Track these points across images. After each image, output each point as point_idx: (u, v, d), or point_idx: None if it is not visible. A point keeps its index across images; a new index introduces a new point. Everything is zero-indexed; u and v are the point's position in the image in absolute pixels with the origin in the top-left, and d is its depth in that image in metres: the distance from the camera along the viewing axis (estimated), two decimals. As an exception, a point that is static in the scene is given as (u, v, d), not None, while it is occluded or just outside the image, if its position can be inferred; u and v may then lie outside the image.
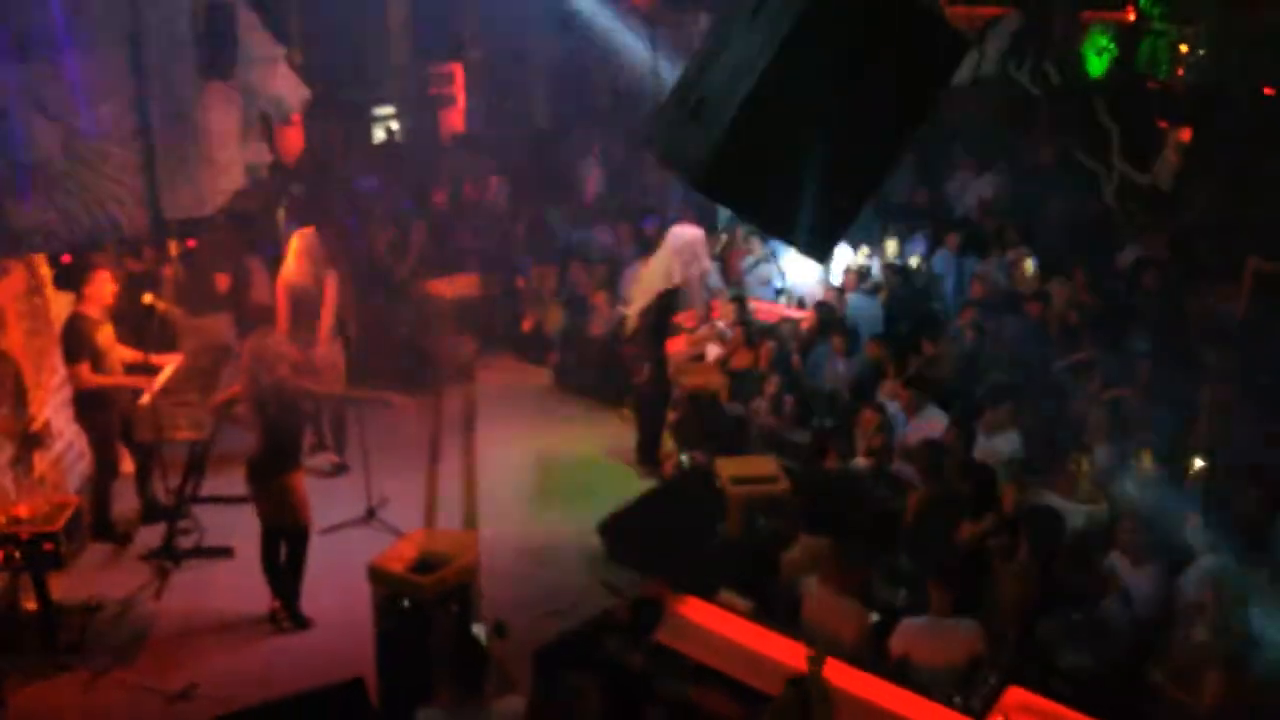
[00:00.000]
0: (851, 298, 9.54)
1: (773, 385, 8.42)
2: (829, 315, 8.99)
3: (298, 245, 8.24)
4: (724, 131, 3.14)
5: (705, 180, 3.24)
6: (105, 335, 7.30)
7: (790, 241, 3.40)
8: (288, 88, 8.08)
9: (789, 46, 3.16)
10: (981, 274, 9.74)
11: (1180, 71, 12.28)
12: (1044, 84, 12.47)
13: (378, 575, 5.68)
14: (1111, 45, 12.69)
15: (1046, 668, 5.14)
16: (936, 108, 3.49)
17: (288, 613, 6.65)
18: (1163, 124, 11.73)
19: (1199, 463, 6.41)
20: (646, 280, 8.37)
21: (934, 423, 7.19)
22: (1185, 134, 11.42)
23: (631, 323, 8.51)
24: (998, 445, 6.87)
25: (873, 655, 5.33)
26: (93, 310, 7.24)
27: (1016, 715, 4.80)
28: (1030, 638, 5.30)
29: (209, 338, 8.39)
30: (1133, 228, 10.70)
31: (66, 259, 7.16)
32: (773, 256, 10.72)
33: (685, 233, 8.33)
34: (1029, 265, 9.79)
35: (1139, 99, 12.21)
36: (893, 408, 7.47)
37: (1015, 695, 4.88)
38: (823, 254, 3.49)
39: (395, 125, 16.21)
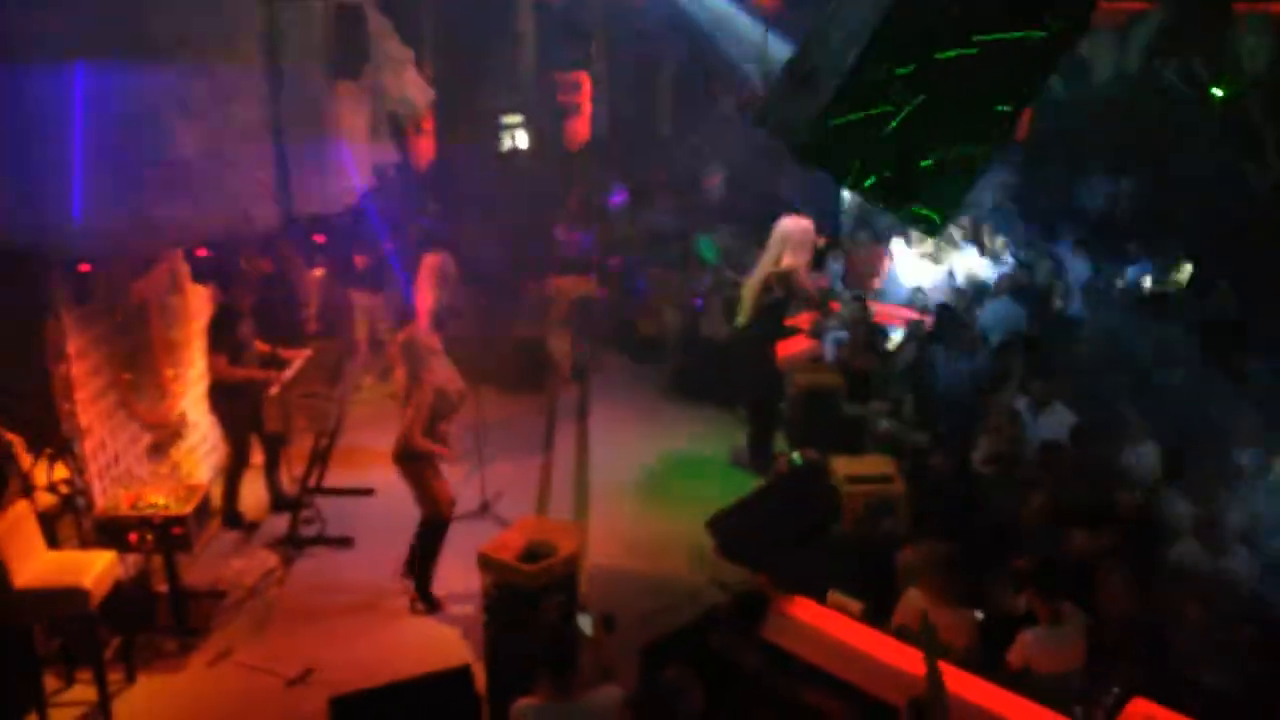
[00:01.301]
0: (990, 302, 9.25)
1: (892, 386, 8.20)
2: (950, 316, 8.72)
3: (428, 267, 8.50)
4: (831, 97, 3.07)
5: (808, 145, 3.17)
6: (246, 329, 7.60)
7: (896, 212, 3.30)
8: (415, 90, 8.28)
9: (897, 13, 3.07)
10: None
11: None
12: (1192, 82, 11.85)
13: (486, 563, 5.72)
14: (1266, 39, 11.97)
15: (1180, 681, 4.84)
16: (1045, 87, 3.34)
17: (421, 596, 6.79)
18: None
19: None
20: (757, 272, 8.27)
21: (1059, 421, 6.88)
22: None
23: (743, 319, 8.40)
24: (1131, 454, 6.54)
25: (985, 659, 5.12)
26: (238, 304, 7.55)
27: (1141, 727, 4.55)
28: (1163, 650, 5.01)
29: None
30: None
31: (202, 253, 7.46)
32: (905, 262, 10.51)
33: (795, 221, 8.24)
34: (1185, 268, 9.32)
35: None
36: (1022, 404, 7.18)
37: (1140, 707, 4.63)
38: (930, 228, 3.37)
39: (522, 133, 16.48)
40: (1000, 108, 3.35)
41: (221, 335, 7.46)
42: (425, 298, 7.73)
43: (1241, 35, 11.85)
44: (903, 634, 5.23)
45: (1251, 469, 6.18)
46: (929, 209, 3.24)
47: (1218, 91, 11.38)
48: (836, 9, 3.48)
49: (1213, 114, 11.59)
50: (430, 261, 8.38)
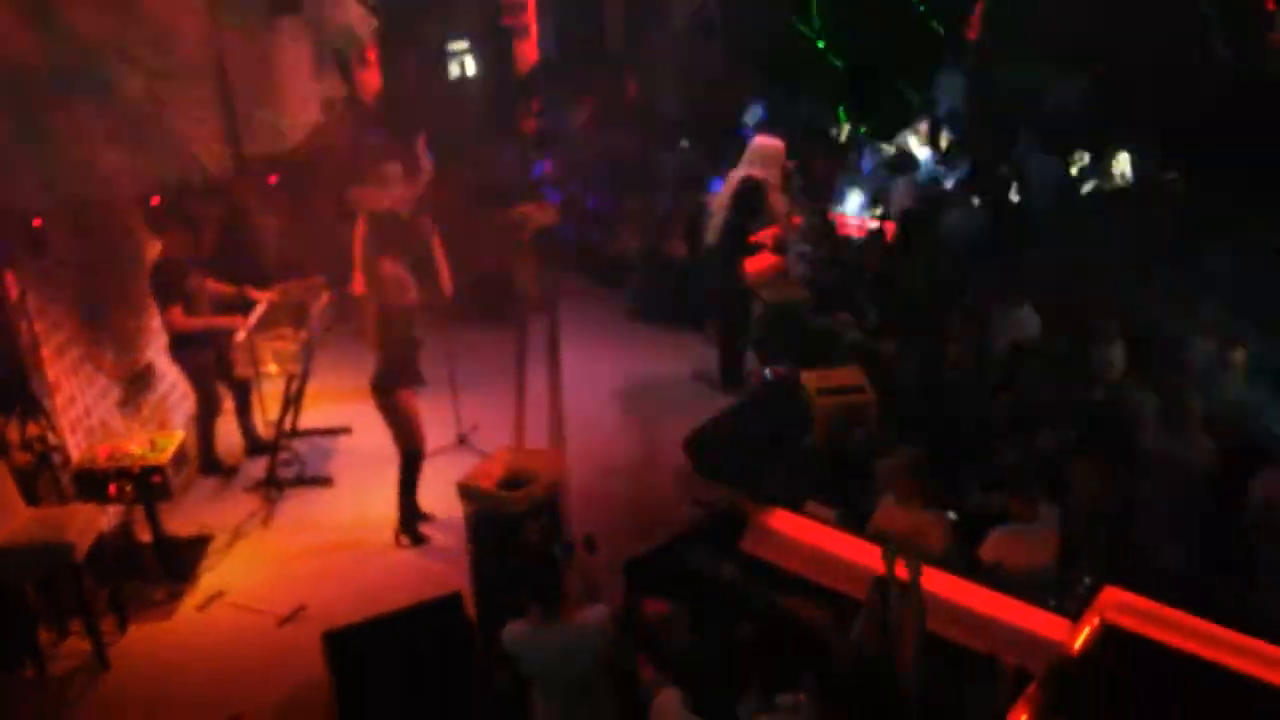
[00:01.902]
0: (951, 208, 9.28)
1: (858, 297, 8.28)
2: (911, 224, 8.76)
3: (386, 175, 8.44)
4: (783, 22, 3.07)
5: (772, 62, 3.18)
6: (196, 277, 7.49)
7: (854, 120, 3.32)
8: (356, 20, 8.09)
9: None
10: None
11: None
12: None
13: (467, 492, 5.80)
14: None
15: (1146, 565, 5.02)
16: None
17: (404, 528, 6.88)
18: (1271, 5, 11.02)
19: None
20: (724, 188, 8.30)
21: (1025, 323, 6.99)
22: None
23: (711, 238, 8.43)
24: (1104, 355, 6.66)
25: (961, 558, 5.28)
26: (179, 253, 7.42)
27: (1114, 615, 4.71)
28: (1126, 535, 5.19)
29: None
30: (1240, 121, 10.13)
31: (155, 201, 7.33)
32: (861, 171, 10.48)
33: (766, 141, 8.32)
34: (1122, 159, 9.41)
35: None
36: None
37: (1112, 595, 4.79)
38: (887, 133, 3.41)
39: (470, 59, 16.16)
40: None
41: (167, 287, 7.34)
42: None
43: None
44: (879, 538, 5.37)
45: (1211, 358, 6.32)
46: (881, 117, 3.27)
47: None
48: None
49: (1163, 4, 11.56)
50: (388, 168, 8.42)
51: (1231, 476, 5.42)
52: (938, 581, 4.93)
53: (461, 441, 7.87)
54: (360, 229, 8.64)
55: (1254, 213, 8.11)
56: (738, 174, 8.26)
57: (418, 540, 6.86)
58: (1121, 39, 11.54)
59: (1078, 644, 4.63)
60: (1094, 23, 11.82)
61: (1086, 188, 9.79)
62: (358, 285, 8.53)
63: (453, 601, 5.52)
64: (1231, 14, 10.88)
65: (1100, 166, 9.90)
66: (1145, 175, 9.73)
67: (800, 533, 5.62)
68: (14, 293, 6.08)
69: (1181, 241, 7.94)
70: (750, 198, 8.18)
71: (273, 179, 8.60)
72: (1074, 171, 9.91)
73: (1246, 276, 7.22)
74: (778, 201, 8.36)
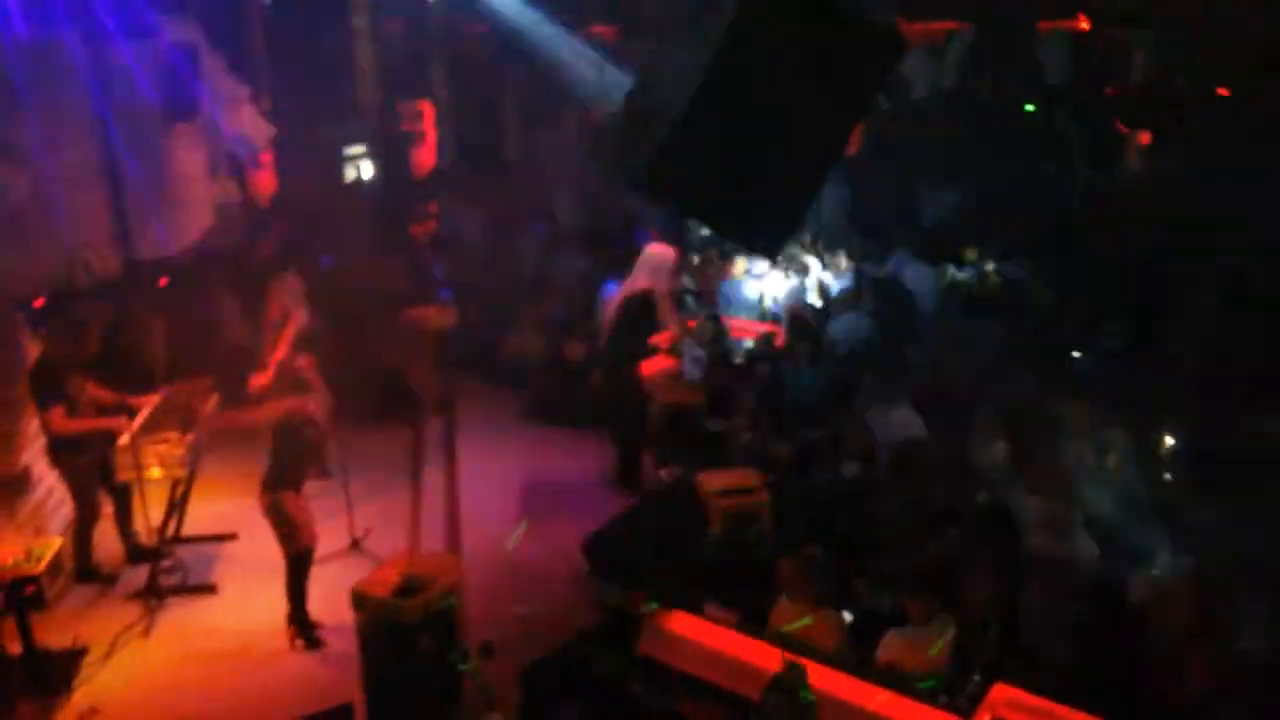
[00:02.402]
0: (839, 314, 9.66)
1: (750, 399, 8.48)
2: (801, 329, 9.08)
3: (276, 288, 8.40)
4: (667, 135, 3.25)
5: (651, 181, 3.35)
6: (76, 380, 7.28)
7: (738, 240, 3.52)
8: (253, 127, 8.18)
9: (724, 53, 3.28)
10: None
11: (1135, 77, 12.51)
12: (1005, 94, 12.67)
13: (361, 600, 5.69)
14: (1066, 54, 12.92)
15: (1033, 663, 5.18)
16: (872, 109, 3.64)
17: (299, 631, 6.72)
18: (1123, 128, 11.94)
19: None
20: (619, 294, 8.52)
21: (908, 424, 7.26)
22: (1144, 137, 11.62)
23: (603, 343, 8.60)
24: (987, 451, 6.95)
25: (855, 658, 5.37)
26: (60, 356, 7.22)
27: (1004, 711, 4.84)
28: (1014, 634, 5.35)
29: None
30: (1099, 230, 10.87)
31: (39, 303, 7.16)
32: (750, 275, 10.84)
33: (657, 249, 8.58)
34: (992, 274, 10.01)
35: (1099, 104, 12.42)
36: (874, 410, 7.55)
37: (1002, 692, 4.92)
38: (771, 251, 3.61)
39: (367, 164, 16.28)
40: (833, 133, 3.60)
41: (48, 390, 7.13)
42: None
43: (1045, 51, 12.77)
44: (779, 639, 5.43)
45: (1086, 460, 6.66)
46: (768, 236, 3.46)
47: (1028, 106, 12.22)
48: (667, 50, 3.68)
49: (1024, 125, 12.41)
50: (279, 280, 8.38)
51: (1110, 576, 5.69)
52: (832, 681, 5.02)
53: (355, 546, 7.72)
54: (287, 328, 8.53)
55: (1115, 313, 8.66)
56: (630, 283, 8.48)
57: (311, 643, 6.67)
58: (990, 157, 12.36)
59: (969, 740, 4.75)
60: (965, 142, 12.65)
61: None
62: (262, 379, 8.36)
63: (343, 713, 5.37)
64: (1090, 134, 11.75)
65: (974, 273, 10.46)
66: (1014, 280, 10.29)
67: (700, 635, 5.64)
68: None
69: (1051, 344, 8.40)
70: (640, 308, 8.38)
71: (163, 281, 8.47)
72: (948, 277, 10.44)
73: (1112, 377, 7.66)
74: (667, 307, 8.59)
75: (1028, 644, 5.36)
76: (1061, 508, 6.11)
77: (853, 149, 12.08)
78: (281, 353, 8.35)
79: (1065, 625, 5.33)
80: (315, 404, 7.08)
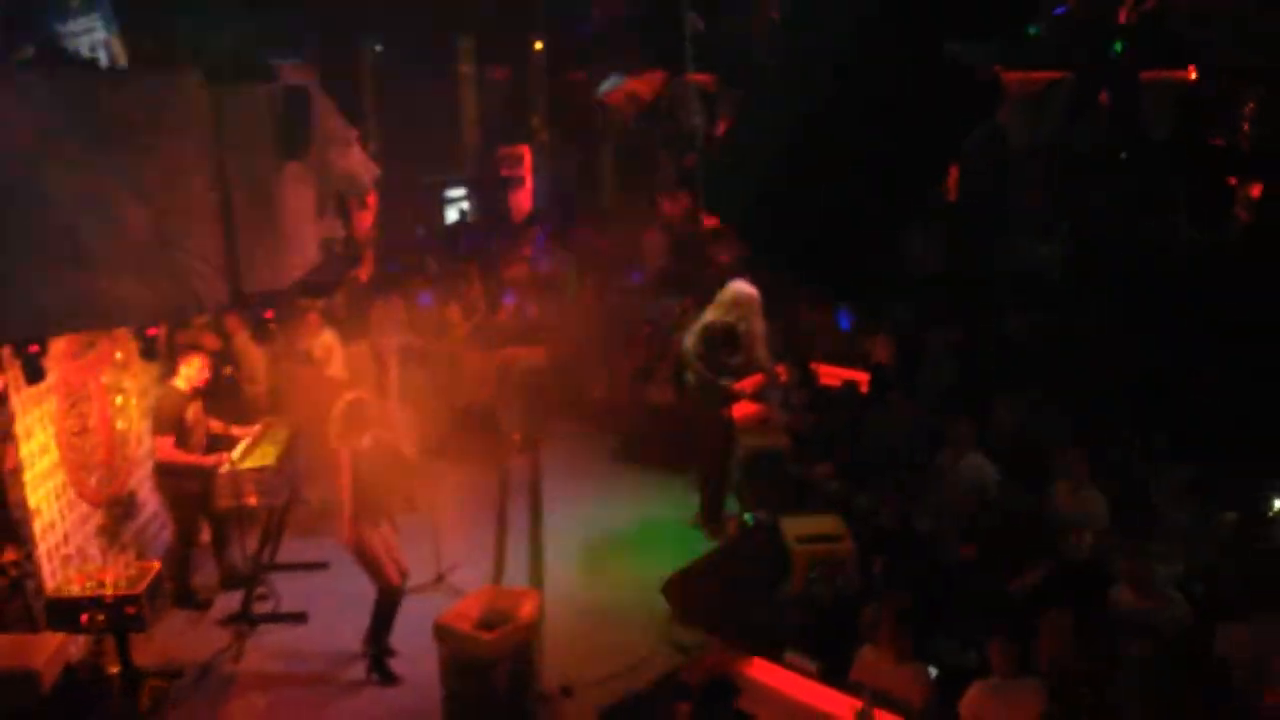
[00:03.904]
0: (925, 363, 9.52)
1: (836, 446, 8.40)
2: (888, 376, 8.98)
3: (380, 314, 8.65)
4: (761, 177, 3.28)
5: (744, 225, 3.38)
6: (193, 411, 7.61)
7: (830, 289, 3.52)
8: (361, 167, 8.45)
9: (820, 97, 3.31)
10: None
11: (1246, 127, 12.13)
12: (1106, 146, 12.40)
13: (443, 633, 5.77)
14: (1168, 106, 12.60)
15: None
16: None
17: (375, 667, 6.82)
18: (1231, 181, 11.58)
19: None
20: (696, 327, 8.48)
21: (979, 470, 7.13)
22: (1255, 190, 11.25)
23: (691, 380, 8.58)
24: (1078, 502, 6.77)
25: (940, 715, 5.25)
26: (184, 386, 7.55)
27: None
28: (1099, 698, 5.17)
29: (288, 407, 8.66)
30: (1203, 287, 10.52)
31: (152, 333, 7.47)
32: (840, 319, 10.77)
33: (741, 287, 8.45)
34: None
35: (1206, 156, 12.07)
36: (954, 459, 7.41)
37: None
38: (862, 303, 3.61)
39: (467, 206, 16.73)
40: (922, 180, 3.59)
41: (166, 417, 7.45)
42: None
43: (1148, 100, 12.48)
44: (859, 690, 5.34)
45: (1181, 522, 6.44)
46: (858, 287, 3.47)
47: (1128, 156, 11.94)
48: (764, 93, 3.73)
49: (1125, 177, 12.12)
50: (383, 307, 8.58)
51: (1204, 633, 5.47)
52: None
53: (440, 580, 7.83)
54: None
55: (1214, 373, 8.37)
56: (707, 317, 8.45)
57: (387, 679, 6.76)
58: (1087, 211, 12.10)
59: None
60: (1064, 191, 12.41)
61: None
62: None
63: (424, 744, 5.45)
64: (1195, 187, 11.41)
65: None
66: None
67: (780, 683, 5.58)
68: (4, 418, 6.13)
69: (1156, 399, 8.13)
70: (724, 339, 8.32)
71: (269, 314, 8.78)
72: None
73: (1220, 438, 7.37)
74: (760, 348, 8.52)
75: (1113, 704, 5.17)
76: (1154, 566, 5.90)
77: (952, 196, 11.98)
78: (387, 375, 8.55)
79: (1152, 688, 5.13)
80: (404, 437, 7.21)
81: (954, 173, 12.04)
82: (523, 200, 16.96)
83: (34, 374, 6.29)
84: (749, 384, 8.77)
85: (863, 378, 9.54)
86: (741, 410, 8.84)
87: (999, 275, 11.70)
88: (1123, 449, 7.68)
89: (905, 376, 9.17)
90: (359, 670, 6.84)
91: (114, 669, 6.51)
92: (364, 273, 11.02)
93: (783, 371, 9.38)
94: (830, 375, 9.91)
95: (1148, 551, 5.92)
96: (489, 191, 16.80)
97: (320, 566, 8.07)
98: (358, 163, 8.48)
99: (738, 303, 8.40)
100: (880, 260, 3.59)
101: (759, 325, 8.52)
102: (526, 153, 16.94)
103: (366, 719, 6.38)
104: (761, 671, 5.64)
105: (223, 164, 6.66)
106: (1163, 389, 8.43)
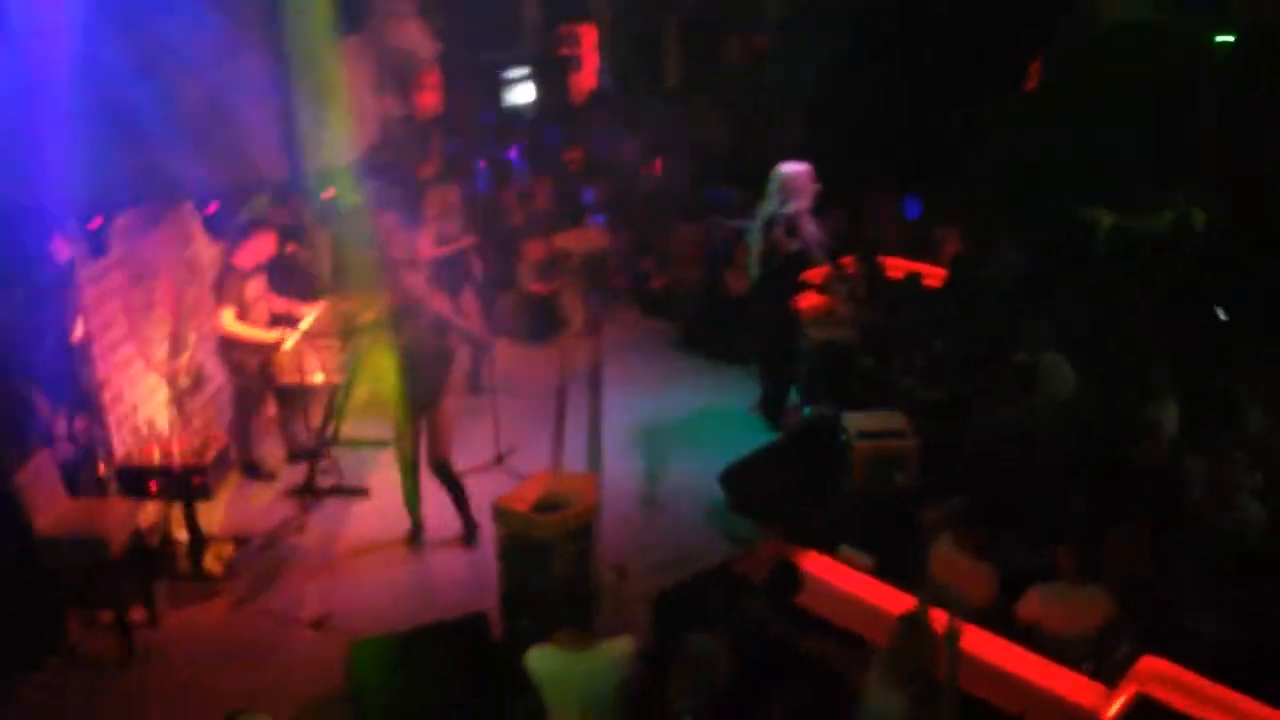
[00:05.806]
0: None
1: (906, 341, 8.19)
2: (962, 270, 8.70)
3: (440, 201, 8.53)
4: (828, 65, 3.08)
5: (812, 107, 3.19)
6: (254, 288, 7.61)
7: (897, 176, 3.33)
8: (419, 43, 8.26)
9: None
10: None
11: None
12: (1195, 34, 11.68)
13: (501, 514, 5.80)
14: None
15: (1186, 638, 4.89)
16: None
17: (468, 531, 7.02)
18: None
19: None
20: (758, 219, 8.25)
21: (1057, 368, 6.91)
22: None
23: (755, 271, 8.39)
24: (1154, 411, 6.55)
25: (1002, 618, 5.18)
26: (244, 263, 7.54)
27: (1151, 686, 4.61)
28: (1168, 606, 5.06)
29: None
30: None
31: (213, 208, 7.45)
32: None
33: (792, 168, 8.19)
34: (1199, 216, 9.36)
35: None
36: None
37: (1150, 664, 4.69)
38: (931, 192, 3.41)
39: (527, 86, 16.34)
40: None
41: (226, 292, 7.47)
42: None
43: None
44: (915, 587, 5.27)
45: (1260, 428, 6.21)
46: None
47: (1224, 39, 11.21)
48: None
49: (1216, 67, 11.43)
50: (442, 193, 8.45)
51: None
52: (975, 640, 4.84)
53: (499, 461, 7.88)
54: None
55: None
56: (766, 205, 8.23)
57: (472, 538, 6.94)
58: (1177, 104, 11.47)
59: (1110, 713, 4.53)
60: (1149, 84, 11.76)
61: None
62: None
63: (479, 621, 5.52)
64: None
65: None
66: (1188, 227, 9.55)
67: (833, 577, 5.54)
68: (72, 290, 6.19)
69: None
70: (788, 231, 8.12)
71: (328, 193, 8.70)
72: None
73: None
74: (809, 228, 8.27)
75: (1182, 613, 5.06)
76: (1233, 472, 5.70)
77: (1032, 84, 11.44)
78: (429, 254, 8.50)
79: (1225, 597, 5.00)
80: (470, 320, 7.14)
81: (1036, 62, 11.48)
82: (583, 81, 16.54)
83: (98, 248, 6.34)
84: (815, 274, 8.56)
85: (929, 270, 9.28)
86: (808, 301, 8.66)
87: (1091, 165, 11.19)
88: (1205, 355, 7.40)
89: (978, 268, 8.89)
90: (418, 544, 6.97)
91: (181, 535, 6.68)
92: (430, 167, 10.78)
93: (849, 264, 9.14)
94: (896, 268, 9.65)
95: (1226, 458, 5.72)
96: (550, 73, 16.38)
97: (384, 444, 8.15)
98: (416, 37, 8.29)
99: (784, 186, 8.13)
100: (953, 147, 3.37)
101: (808, 202, 8.26)
102: (588, 31, 16.44)
103: (425, 592, 6.49)
104: (816, 566, 5.60)
105: (279, 37, 6.52)
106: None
